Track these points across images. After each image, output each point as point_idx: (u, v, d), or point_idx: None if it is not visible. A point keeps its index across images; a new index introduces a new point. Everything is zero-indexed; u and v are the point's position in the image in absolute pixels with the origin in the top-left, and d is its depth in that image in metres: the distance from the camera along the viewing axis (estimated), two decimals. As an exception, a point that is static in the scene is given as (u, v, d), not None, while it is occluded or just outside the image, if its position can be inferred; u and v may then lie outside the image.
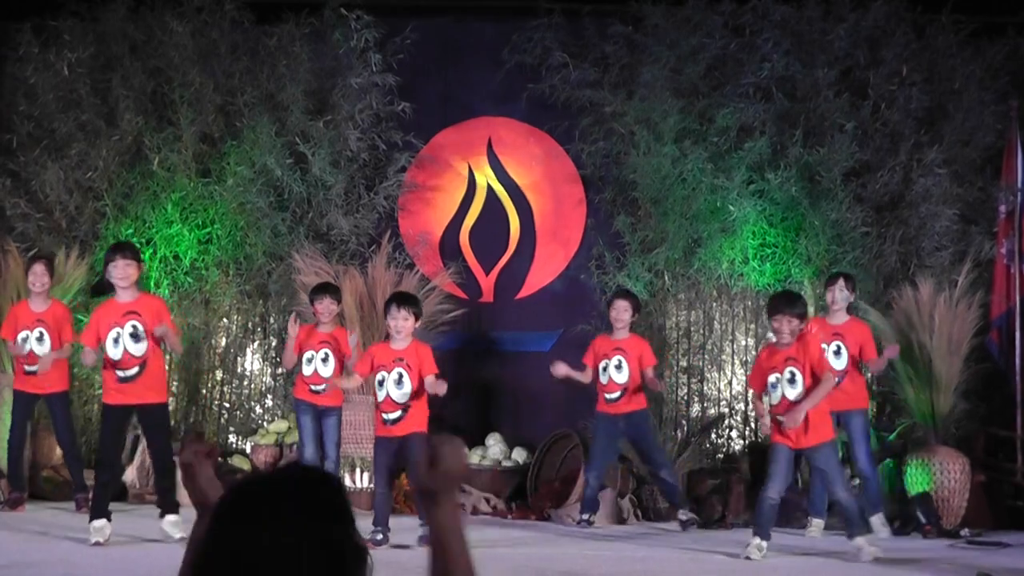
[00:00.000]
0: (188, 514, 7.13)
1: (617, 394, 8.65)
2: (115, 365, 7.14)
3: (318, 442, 8.63)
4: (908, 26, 10.28)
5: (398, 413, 7.40)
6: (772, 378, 7.15)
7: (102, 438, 7.44)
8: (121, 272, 7.09)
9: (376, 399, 7.53)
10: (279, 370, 10.72)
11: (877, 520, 8.35)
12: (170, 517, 7.23)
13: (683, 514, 8.63)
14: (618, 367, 8.67)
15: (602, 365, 8.71)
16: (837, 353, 8.26)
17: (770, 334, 7.51)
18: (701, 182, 10.08)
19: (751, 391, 7.45)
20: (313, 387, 8.51)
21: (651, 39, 10.34)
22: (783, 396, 7.10)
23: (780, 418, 7.09)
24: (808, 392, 7.03)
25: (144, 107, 10.73)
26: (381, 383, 7.46)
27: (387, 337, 7.68)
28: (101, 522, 7.05)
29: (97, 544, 6.94)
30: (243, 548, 1.91)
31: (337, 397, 8.71)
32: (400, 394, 7.39)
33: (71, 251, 10.07)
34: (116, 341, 7.12)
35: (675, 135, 10.14)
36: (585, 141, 10.49)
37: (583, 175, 10.70)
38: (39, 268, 8.92)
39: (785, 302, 7.19)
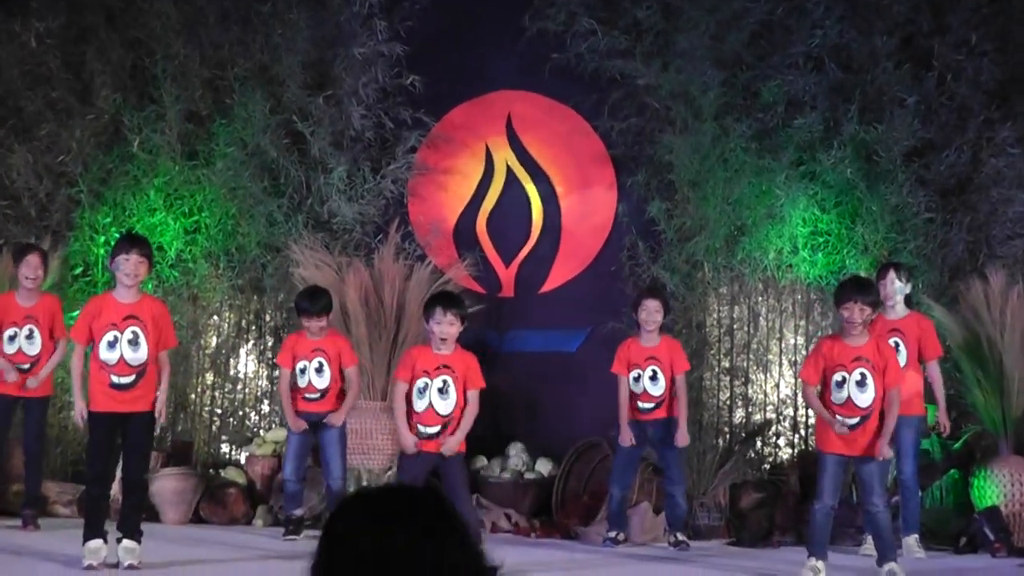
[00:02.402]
0: (154, 545, 7.31)
1: (652, 405, 8.87)
2: (108, 369, 7.24)
3: (303, 460, 8.86)
4: (978, -12, 10.29)
5: (438, 428, 7.53)
6: (837, 376, 7.21)
7: (91, 449, 7.48)
8: (132, 268, 7.23)
9: (412, 409, 7.59)
10: (275, 372, 10.85)
11: (912, 540, 8.49)
12: (128, 543, 7.22)
13: (680, 535, 8.84)
14: (653, 378, 8.87)
15: (634, 375, 8.89)
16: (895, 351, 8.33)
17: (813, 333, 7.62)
18: (745, 163, 10.23)
19: (803, 385, 7.46)
20: (308, 396, 8.79)
21: (689, 3, 10.39)
22: (849, 399, 7.18)
23: (842, 418, 7.18)
24: (879, 403, 7.15)
25: (122, 83, 10.94)
26: (422, 391, 7.56)
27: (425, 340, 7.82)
28: (97, 543, 7.18)
29: (90, 568, 7.07)
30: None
31: (337, 402, 8.88)
32: (444, 405, 7.53)
33: (41, 242, 10.11)
34: (112, 345, 7.24)
35: (716, 111, 10.28)
36: (615, 117, 10.62)
37: (613, 155, 10.86)
38: (34, 260, 9.01)
39: (856, 288, 7.25)
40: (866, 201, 10.19)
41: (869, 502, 7.25)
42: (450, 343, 7.64)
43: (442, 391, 7.54)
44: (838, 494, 7.38)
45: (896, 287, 8.59)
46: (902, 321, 8.65)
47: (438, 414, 7.56)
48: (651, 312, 8.89)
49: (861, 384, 7.17)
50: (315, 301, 8.80)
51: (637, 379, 8.88)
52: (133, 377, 7.25)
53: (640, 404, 8.89)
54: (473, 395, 7.62)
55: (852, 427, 7.16)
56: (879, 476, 7.26)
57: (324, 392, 8.81)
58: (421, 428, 7.54)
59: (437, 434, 7.53)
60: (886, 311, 8.54)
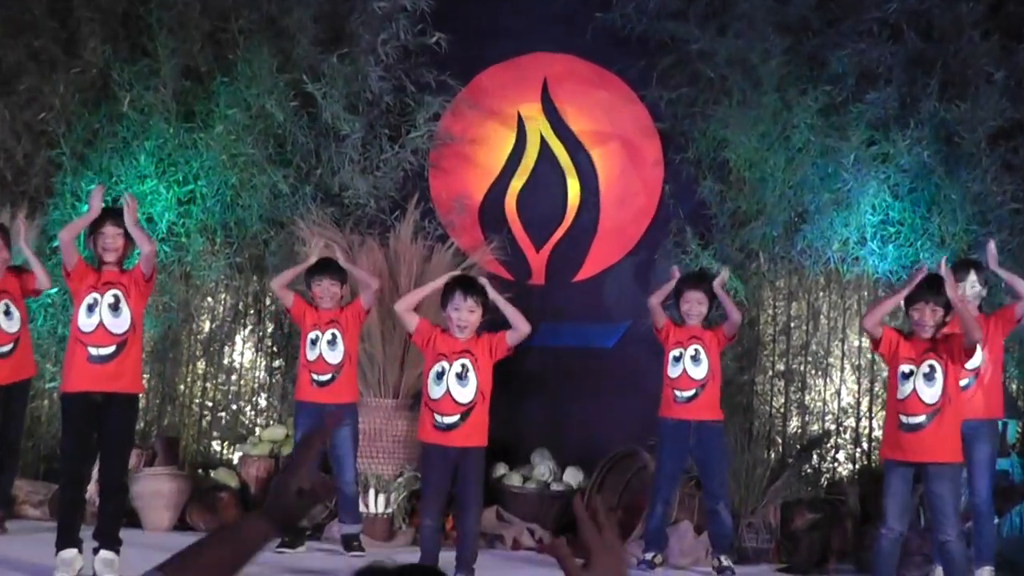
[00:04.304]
0: (135, 555, 7.33)
1: (692, 392, 8.87)
2: (85, 340, 7.35)
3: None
4: (1078, -52, 10.20)
5: (456, 418, 7.60)
6: (904, 368, 7.31)
7: (66, 444, 7.57)
8: (109, 243, 7.41)
9: (428, 396, 7.70)
10: (276, 363, 11.03)
11: (986, 573, 8.42)
12: (105, 554, 7.32)
13: (724, 559, 8.87)
14: (695, 358, 8.91)
15: (674, 354, 8.91)
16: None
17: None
18: (809, 142, 10.25)
19: (867, 325, 7.55)
20: (317, 377, 8.93)
21: (750, -41, 10.39)
22: (914, 394, 7.28)
23: (907, 418, 7.28)
24: (948, 401, 7.21)
25: (113, 32, 11.02)
26: (440, 376, 7.65)
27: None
28: (70, 553, 7.29)
29: None
30: None
31: (350, 391, 9.03)
32: (463, 392, 7.60)
33: (17, 209, 10.08)
34: (92, 309, 7.38)
35: (777, 82, 10.29)
36: (664, 86, 10.64)
37: (661, 129, 10.88)
38: None
39: (928, 288, 7.33)
40: (944, 188, 10.19)
41: (940, 530, 7.28)
42: (469, 332, 7.72)
43: (461, 376, 7.62)
44: (906, 517, 7.45)
45: (974, 291, 8.42)
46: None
47: (456, 402, 7.63)
48: (693, 303, 8.97)
49: (929, 378, 7.26)
50: (328, 265, 9.02)
51: (677, 359, 8.90)
52: (113, 348, 7.38)
53: (678, 392, 8.89)
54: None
55: (917, 427, 7.23)
56: (951, 499, 7.29)
57: (336, 371, 8.94)
58: (438, 418, 7.61)
59: (456, 424, 7.60)
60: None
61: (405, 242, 10.40)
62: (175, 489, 10.07)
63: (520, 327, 7.77)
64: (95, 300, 7.39)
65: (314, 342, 8.98)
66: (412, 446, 9.53)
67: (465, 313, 7.67)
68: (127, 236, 7.54)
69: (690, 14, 10.58)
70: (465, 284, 7.86)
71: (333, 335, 8.95)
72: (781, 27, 10.39)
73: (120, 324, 7.40)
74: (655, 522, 8.97)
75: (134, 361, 7.53)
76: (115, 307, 7.39)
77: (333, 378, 8.97)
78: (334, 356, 8.98)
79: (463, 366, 7.63)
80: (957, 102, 10.16)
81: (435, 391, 7.67)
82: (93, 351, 7.37)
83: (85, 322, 7.38)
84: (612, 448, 10.20)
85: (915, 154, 10.21)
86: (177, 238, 10.97)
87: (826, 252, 10.40)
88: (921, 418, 7.26)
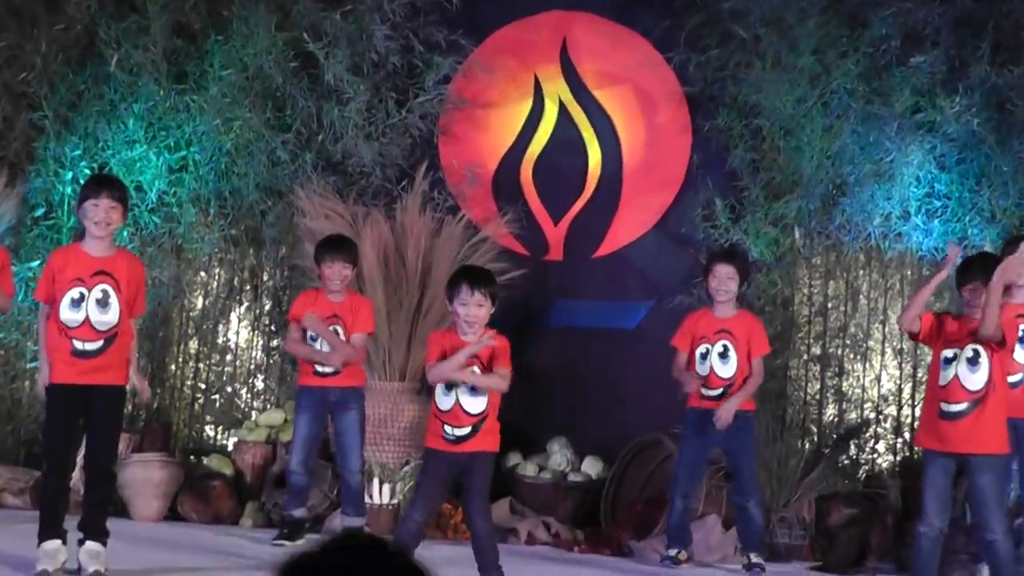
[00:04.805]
0: (122, 547, 7.33)
1: (719, 391, 8.76)
2: (70, 333, 7.23)
3: (313, 447, 8.88)
4: None
5: (468, 430, 7.37)
6: (947, 352, 7.20)
7: (49, 431, 7.51)
8: (103, 215, 7.24)
9: (436, 407, 7.45)
10: (273, 342, 10.94)
11: None
12: (91, 546, 7.23)
13: (755, 556, 8.78)
14: (723, 355, 8.78)
15: (700, 350, 8.81)
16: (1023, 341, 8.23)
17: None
18: (849, 108, 10.14)
19: (904, 327, 7.41)
20: (321, 369, 8.80)
21: (787, -91, 10.33)
22: (955, 379, 7.15)
23: (947, 406, 7.15)
24: (993, 388, 7.09)
25: None
26: (449, 387, 7.41)
27: (450, 325, 7.63)
28: (54, 544, 7.17)
29: (44, 574, 7.05)
30: None
31: (357, 375, 8.91)
32: (475, 403, 7.35)
33: None
34: (77, 304, 7.23)
35: (815, 43, 10.16)
36: (693, 48, 10.52)
37: (689, 93, 10.75)
38: None
39: (983, 268, 7.19)
40: (995, 159, 10.09)
41: (985, 527, 7.17)
42: (478, 328, 7.45)
43: (472, 387, 7.38)
44: (947, 513, 7.30)
45: None
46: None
47: (467, 413, 7.36)
48: (722, 279, 8.81)
49: (973, 362, 7.13)
50: (342, 243, 8.93)
51: (704, 356, 8.79)
52: (100, 343, 7.27)
53: (704, 390, 8.78)
54: (501, 375, 7.42)
55: (957, 415, 7.11)
56: (995, 492, 7.18)
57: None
58: (448, 430, 7.37)
59: (467, 436, 7.36)
60: (1013, 294, 8.23)
61: (412, 214, 10.32)
62: (165, 477, 10.02)
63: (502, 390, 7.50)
64: (81, 295, 7.26)
65: (315, 339, 8.85)
66: (419, 433, 9.37)
67: (473, 308, 7.35)
68: (124, 207, 7.43)
69: (721, -31, 10.52)
70: (472, 276, 7.56)
71: (335, 331, 8.80)
72: (820, -16, 10.30)
73: (108, 320, 7.27)
74: (676, 517, 8.84)
75: (122, 354, 7.40)
76: (103, 303, 7.27)
77: (337, 370, 8.84)
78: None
79: (474, 373, 7.36)
80: (1010, 66, 10.02)
81: (444, 402, 7.40)
82: (78, 344, 7.25)
83: (70, 316, 7.25)
84: (634, 436, 10.13)
85: (963, 122, 10.07)
86: (168, 208, 10.90)
87: (866, 227, 10.28)
88: (963, 406, 7.12)
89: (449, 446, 7.35)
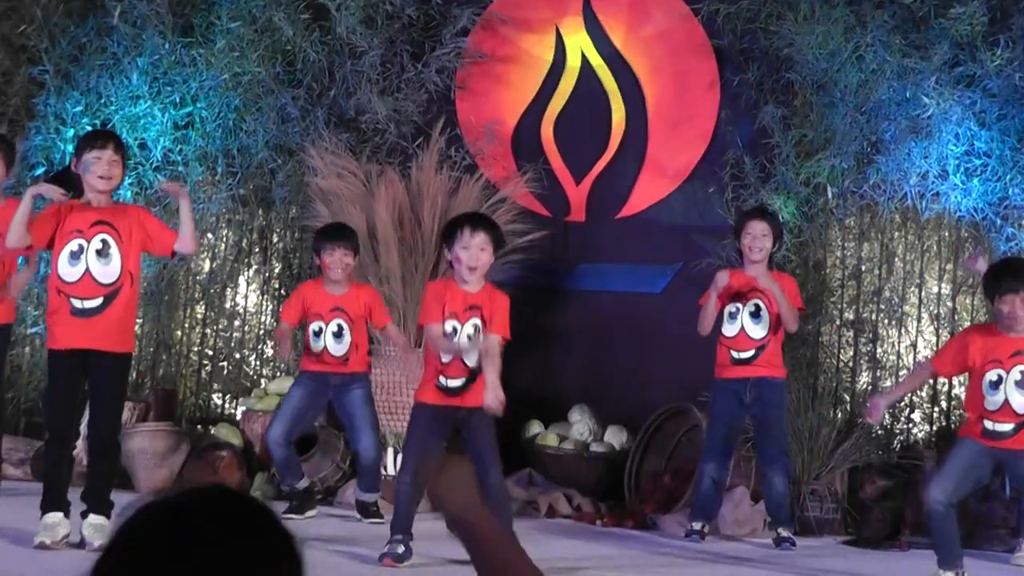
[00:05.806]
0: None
1: (751, 353, 8.75)
2: (68, 290, 7.18)
3: (298, 422, 8.87)
4: None
5: (463, 380, 7.38)
6: (991, 375, 7.11)
7: (50, 400, 7.51)
8: (106, 169, 7.17)
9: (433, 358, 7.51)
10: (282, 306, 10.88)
11: None
12: (95, 519, 7.20)
13: (784, 530, 8.77)
14: (755, 315, 8.76)
15: (729, 310, 8.79)
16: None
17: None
18: (885, 62, 10.02)
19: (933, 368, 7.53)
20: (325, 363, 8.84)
21: None
22: (1006, 403, 7.07)
23: (991, 424, 7.10)
24: None
25: None
26: (452, 336, 7.45)
27: (443, 273, 7.72)
28: (55, 517, 7.15)
29: (43, 547, 7.03)
30: None
31: (360, 362, 8.91)
32: (474, 355, 7.37)
33: None
34: (76, 256, 7.17)
35: None
36: None
37: (717, 47, 10.65)
38: None
39: (1017, 276, 7.13)
40: None
41: None
42: (479, 275, 7.42)
43: (471, 339, 7.38)
44: (961, 490, 7.25)
45: None
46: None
47: (465, 364, 7.37)
48: (757, 236, 8.78)
49: (1022, 385, 7.06)
50: (343, 231, 8.92)
51: (733, 316, 8.79)
52: (101, 300, 7.21)
53: (735, 353, 8.77)
54: (494, 343, 7.36)
55: (1003, 435, 7.09)
56: None
57: (344, 359, 8.82)
58: (443, 380, 7.37)
59: (463, 388, 7.37)
60: None
61: (429, 173, 10.26)
62: (171, 447, 10.01)
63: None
64: (80, 247, 7.19)
65: (317, 334, 8.84)
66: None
67: (475, 252, 7.32)
68: (124, 165, 7.40)
69: (752, -87, 10.49)
70: (472, 219, 7.56)
71: (339, 326, 8.80)
72: (854, -70, 10.25)
73: (109, 273, 7.20)
74: (703, 489, 8.84)
75: (125, 315, 7.37)
76: (103, 253, 7.20)
77: (343, 363, 8.87)
78: (339, 348, 8.83)
79: (475, 327, 7.37)
80: (1055, 17, 9.98)
81: (443, 356, 7.42)
82: (77, 303, 7.19)
83: (68, 271, 7.19)
84: (660, 405, 10.09)
85: (1005, 76, 9.95)
86: (173, 167, 10.86)
87: (902, 187, 10.18)
88: (1010, 426, 7.11)
89: (444, 398, 7.34)
